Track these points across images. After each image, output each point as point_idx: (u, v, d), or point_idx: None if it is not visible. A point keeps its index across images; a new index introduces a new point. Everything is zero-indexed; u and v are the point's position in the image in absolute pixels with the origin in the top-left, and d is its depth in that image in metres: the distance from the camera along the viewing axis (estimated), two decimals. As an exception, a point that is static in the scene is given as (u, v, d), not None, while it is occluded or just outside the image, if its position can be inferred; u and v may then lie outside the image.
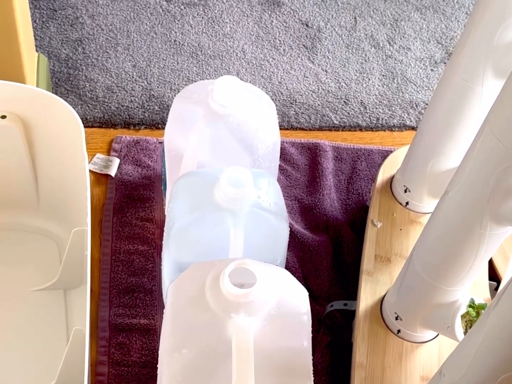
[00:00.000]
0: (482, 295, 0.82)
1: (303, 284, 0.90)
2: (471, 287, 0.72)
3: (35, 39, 1.10)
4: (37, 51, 0.99)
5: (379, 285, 0.83)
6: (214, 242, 0.74)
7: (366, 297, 0.82)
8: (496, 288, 0.86)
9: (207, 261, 0.63)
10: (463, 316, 0.70)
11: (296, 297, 0.63)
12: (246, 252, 0.73)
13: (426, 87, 1.15)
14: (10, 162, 0.82)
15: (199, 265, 0.63)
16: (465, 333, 0.70)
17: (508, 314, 0.43)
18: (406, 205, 0.89)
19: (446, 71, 0.75)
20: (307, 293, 0.64)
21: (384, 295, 0.81)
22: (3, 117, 0.77)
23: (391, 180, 0.92)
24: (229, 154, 0.83)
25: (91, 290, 0.86)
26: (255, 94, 0.84)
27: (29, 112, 0.78)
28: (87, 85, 1.06)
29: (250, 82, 1.11)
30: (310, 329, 0.62)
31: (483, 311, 0.71)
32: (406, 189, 0.88)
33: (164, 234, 0.76)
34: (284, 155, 1.03)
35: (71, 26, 1.14)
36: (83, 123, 1.02)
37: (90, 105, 1.04)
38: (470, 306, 0.70)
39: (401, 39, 1.22)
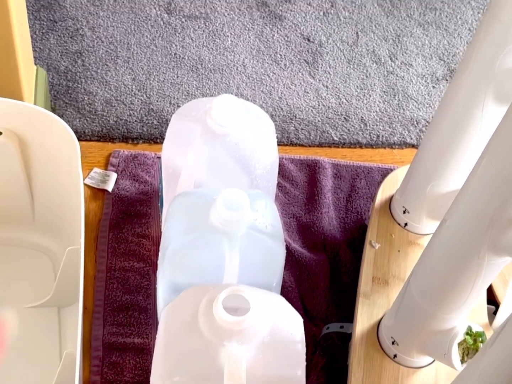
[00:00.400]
0: (480, 320, 0.81)
1: (299, 304, 0.89)
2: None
3: (35, 50, 1.09)
4: (36, 64, 0.99)
5: (376, 308, 0.82)
6: (210, 263, 0.73)
7: (363, 320, 0.81)
8: (495, 312, 0.85)
9: (201, 286, 0.62)
10: (460, 344, 0.69)
11: (290, 325, 0.62)
12: (242, 274, 0.72)
13: (427, 104, 1.14)
14: (6, 177, 0.82)
15: (192, 290, 0.62)
16: (461, 361, 0.69)
17: (503, 356, 0.43)
18: (405, 226, 0.89)
19: (447, 94, 0.74)
20: (302, 320, 0.63)
21: (381, 319, 0.81)
22: (-1, 133, 0.77)
23: (390, 200, 0.92)
24: (226, 173, 0.82)
25: (85, 308, 0.85)
26: (254, 112, 0.83)
27: (25, 129, 0.77)
28: (86, 98, 1.06)
29: (250, 97, 1.11)
30: (304, 357, 0.61)
31: (480, 338, 0.70)
32: (405, 210, 0.87)
33: (160, 254, 0.76)
34: (283, 172, 1.02)
35: (71, 38, 1.13)
36: (81, 136, 1.02)
37: (88, 119, 1.04)
38: (467, 333, 0.69)
39: (403, 55, 1.21)
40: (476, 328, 0.70)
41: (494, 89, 0.68)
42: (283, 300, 0.64)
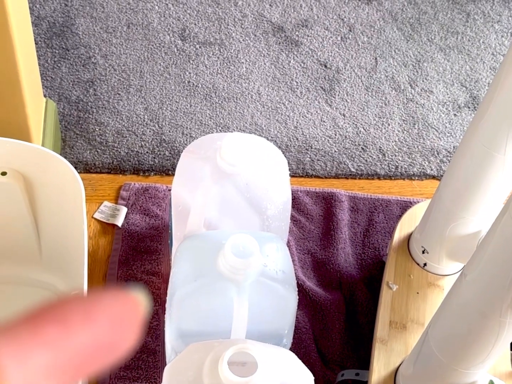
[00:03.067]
0: (503, 368, 0.77)
1: (313, 347, 0.86)
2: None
3: (46, 80, 1.08)
4: (47, 93, 0.97)
5: (393, 354, 0.78)
6: (218, 310, 0.70)
7: (379, 368, 0.77)
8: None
9: (205, 343, 0.59)
10: (481, 400, 0.66)
11: (300, 383, 0.59)
12: (251, 322, 0.69)
13: (448, 133, 1.10)
14: (12, 217, 0.80)
15: (196, 347, 0.59)
16: (483, 418, 0.66)
17: None
18: (424, 266, 0.85)
19: (467, 135, 0.71)
20: (313, 378, 0.60)
21: (399, 366, 0.77)
22: (4, 173, 0.75)
23: (408, 238, 0.88)
24: (237, 213, 0.79)
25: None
26: (265, 150, 0.80)
27: (30, 169, 0.75)
28: (97, 129, 1.04)
29: (264, 126, 1.08)
30: (315, 418, 0.58)
31: (503, 394, 0.66)
32: (424, 250, 0.84)
33: (167, 299, 0.73)
34: (297, 205, 0.99)
35: (83, 66, 1.12)
36: (91, 168, 1.00)
37: (99, 150, 1.02)
38: (489, 389, 0.66)
39: (423, 81, 1.17)
40: (497, 382, 0.67)
41: (518, 132, 0.64)
42: (292, 356, 0.61)
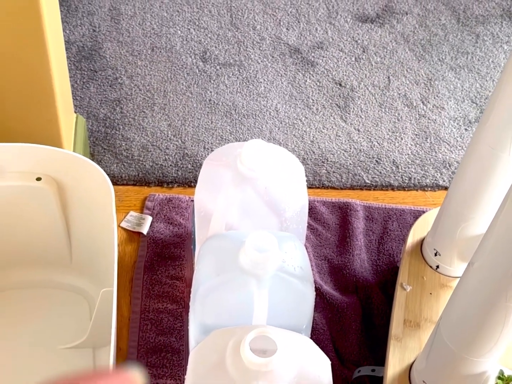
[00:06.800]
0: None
1: (331, 347, 0.89)
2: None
3: (75, 99, 1.14)
4: (76, 111, 1.03)
5: (407, 351, 0.81)
6: (239, 305, 0.74)
7: (394, 364, 0.80)
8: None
9: (228, 328, 0.63)
10: (492, 389, 0.68)
11: (318, 367, 0.62)
12: (271, 316, 0.73)
13: (459, 146, 1.14)
14: (45, 221, 0.85)
15: (220, 332, 0.63)
16: (494, 406, 0.68)
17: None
18: (436, 269, 0.88)
19: (474, 138, 0.75)
20: (330, 363, 0.63)
21: (413, 362, 0.80)
22: (39, 179, 0.80)
23: (421, 242, 0.92)
24: (256, 216, 0.83)
25: (120, 349, 0.87)
26: (283, 156, 0.85)
27: (63, 175, 0.81)
28: (123, 144, 1.10)
29: (282, 141, 1.13)
30: (332, 400, 0.61)
31: (513, 383, 0.69)
32: (436, 252, 0.87)
33: (191, 295, 0.77)
34: (314, 214, 1.03)
35: (110, 86, 1.18)
36: (118, 181, 1.05)
37: (125, 164, 1.07)
38: (499, 377, 0.69)
39: (434, 98, 1.22)
40: (508, 372, 0.69)
41: (520, 132, 0.68)
42: (310, 342, 0.65)
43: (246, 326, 0.64)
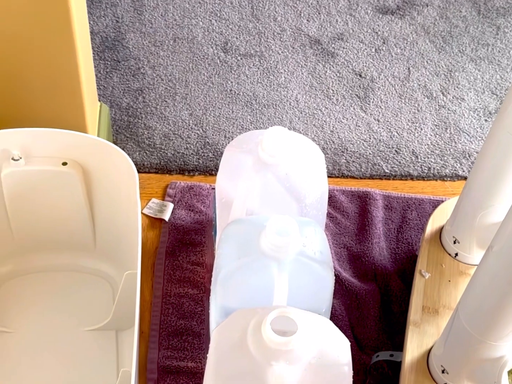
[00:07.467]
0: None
1: (349, 333, 0.90)
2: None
3: (99, 88, 1.16)
4: (100, 100, 1.05)
5: (426, 336, 0.82)
6: (260, 288, 0.75)
7: (413, 349, 0.81)
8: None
9: (250, 308, 0.65)
10: (510, 372, 0.69)
11: (337, 347, 0.63)
12: (290, 299, 0.74)
13: (479, 137, 1.15)
14: (70, 206, 0.87)
15: (242, 312, 0.65)
16: (512, 390, 0.69)
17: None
18: (455, 256, 0.89)
19: (494, 125, 0.75)
20: (349, 344, 0.64)
21: (431, 347, 0.81)
22: (64, 163, 0.82)
23: (440, 230, 0.92)
24: (277, 202, 0.84)
25: (142, 332, 0.89)
26: (304, 144, 0.86)
27: (88, 160, 0.82)
28: (145, 133, 1.11)
29: (302, 130, 1.14)
30: (351, 380, 0.62)
31: (531, 368, 0.69)
32: (455, 240, 0.88)
33: (212, 279, 0.78)
34: (334, 203, 1.04)
35: (133, 76, 1.20)
36: (140, 169, 1.07)
37: (147, 152, 1.09)
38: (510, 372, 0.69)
39: (455, 89, 1.22)
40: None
41: (540, 118, 0.68)
42: (330, 323, 0.66)
43: (267, 307, 0.65)
